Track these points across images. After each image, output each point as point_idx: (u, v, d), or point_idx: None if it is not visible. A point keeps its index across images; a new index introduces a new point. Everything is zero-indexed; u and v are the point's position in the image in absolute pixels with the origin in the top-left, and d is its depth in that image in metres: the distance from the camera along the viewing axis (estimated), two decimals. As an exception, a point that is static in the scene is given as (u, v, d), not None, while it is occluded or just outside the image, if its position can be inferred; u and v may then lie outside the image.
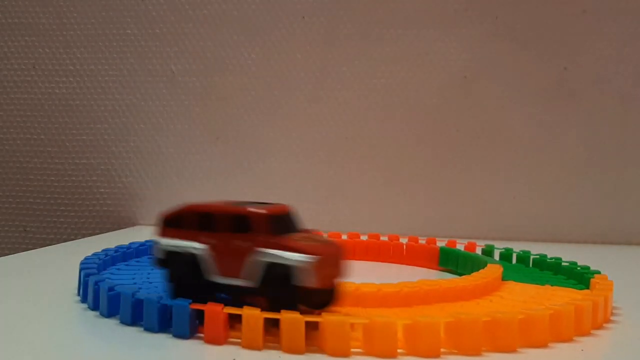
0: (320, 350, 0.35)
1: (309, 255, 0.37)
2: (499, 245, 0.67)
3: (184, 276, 0.41)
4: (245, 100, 0.96)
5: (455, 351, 0.35)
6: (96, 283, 0.43)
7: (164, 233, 0.42)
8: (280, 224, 0.41)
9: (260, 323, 0.35)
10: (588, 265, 0.56)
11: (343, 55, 0.94)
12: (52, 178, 0.99)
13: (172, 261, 0.41)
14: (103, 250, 0.56)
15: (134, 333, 0.38)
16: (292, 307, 0.37)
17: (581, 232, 0.91)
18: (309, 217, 0.92)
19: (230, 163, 0.97)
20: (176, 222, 0.42)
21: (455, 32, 0.92)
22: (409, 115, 0.93)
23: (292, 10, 0.94)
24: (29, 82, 0.99)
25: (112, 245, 0.59)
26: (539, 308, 0.39)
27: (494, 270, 0.51)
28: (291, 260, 0.38)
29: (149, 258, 0.59)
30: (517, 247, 0.67)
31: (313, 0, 0.94)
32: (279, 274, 0.38)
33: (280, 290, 0.38)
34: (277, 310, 0.36)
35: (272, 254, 0.38)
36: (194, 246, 0.40)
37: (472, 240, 0.69)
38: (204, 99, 0.97)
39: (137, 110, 0.98)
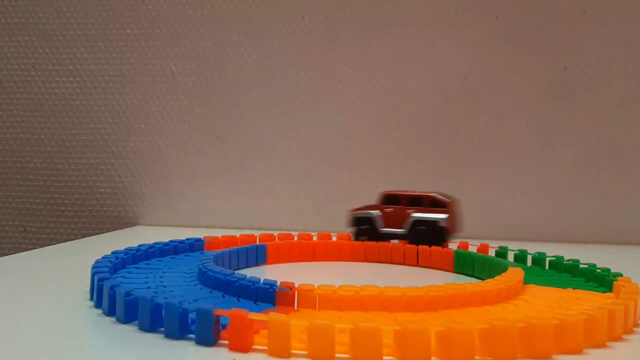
0: (351, 358, 0.33)
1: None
2: (500, 245, 0.67)
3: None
4: (245, 100, 0.96)
5: (490, 358, 0.34)
6: (112, 288, 0.41)
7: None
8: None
9: (288, 329, 0.34)
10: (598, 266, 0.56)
11: (343, 55, 0.94)
12: (52, 178, 0.99)
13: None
14: (113, 253, 0.55)
15: (155, 340, 0.37)
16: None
17: (581, 232, 0.91)
18: (308, 217, 0.93)
19: (230, 163, 0.97)
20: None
21: (455, 32, 0.92)
22: (409, 115, 0.93)
23: (292, 10, 0.94)
24: (29, 82, 0.98)
25: (113, 246, 0.58)
26: (572, 313, 0.38)
27: (516, 273, 0.50)
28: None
29: (159, 261, 0.58)
30: (516, 246, 0.67)
31: (313, 0, 0.94)
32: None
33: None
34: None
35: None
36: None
37: (471, 240, 0.69)
38: (204, 99, 0.97)
39: (137, 110, 0.98)
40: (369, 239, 0.69)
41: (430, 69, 0.93)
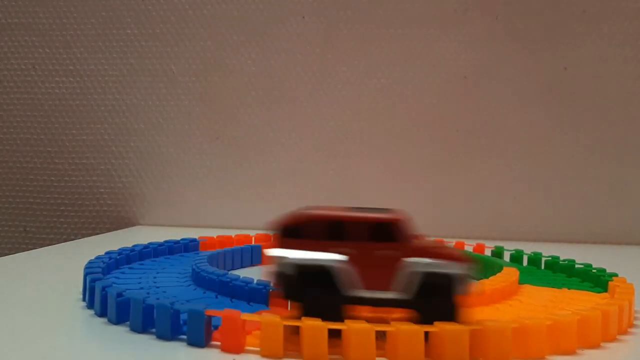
0: (343, 359, 0.34)
1: (465, 265, 0.36)
2: (497, 245, 0.67)
3: (321, 292, 0.37)
4: (245, 100, 0.96)
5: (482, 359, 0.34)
6: (103, 289, 0.41)
7: (284, 244, 0.37)
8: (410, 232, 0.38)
9: (280, 330, 0.34)
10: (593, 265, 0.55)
11: (343, 55, 0.94)
12: (52, 178, 0.99)
13: (304, 276, 0.37)
14: (106, 253, 0.55)
15: (146, 341, 0.37)
16: (450, 319, 0.35)
17: (581, 232, 0.90)
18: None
19: (230, 163, 0.97)
20: (297, 232, 0.38)
21: (455, 32, 0.92)
22: (409, 115, 0.93)
23: (292, 10, 0.94)
24: (29, 82, 0.99)
25: (113, 246, 0.58)
26: (565, 313, 0.38)
27: (511, 273, 0.50)
28: (452, 269, 0.36)
29: (153, 261, 0.58)
30: (516, 247, 0.66)
31: (313, 0, 0.94)
32: (439, 284, 0.36)
33: (439, 302, 0.36)
34: (431, 323, 0.34)
35: (429, 264, 0.36)
36: (332, 258, 0.37)
37: (471, 240, 0.69)
38: (204, 99, 0.97)
39: (137, 110, 0.98)
40: (323, 312, 0.36)
41: (430, 69, 0.93)
